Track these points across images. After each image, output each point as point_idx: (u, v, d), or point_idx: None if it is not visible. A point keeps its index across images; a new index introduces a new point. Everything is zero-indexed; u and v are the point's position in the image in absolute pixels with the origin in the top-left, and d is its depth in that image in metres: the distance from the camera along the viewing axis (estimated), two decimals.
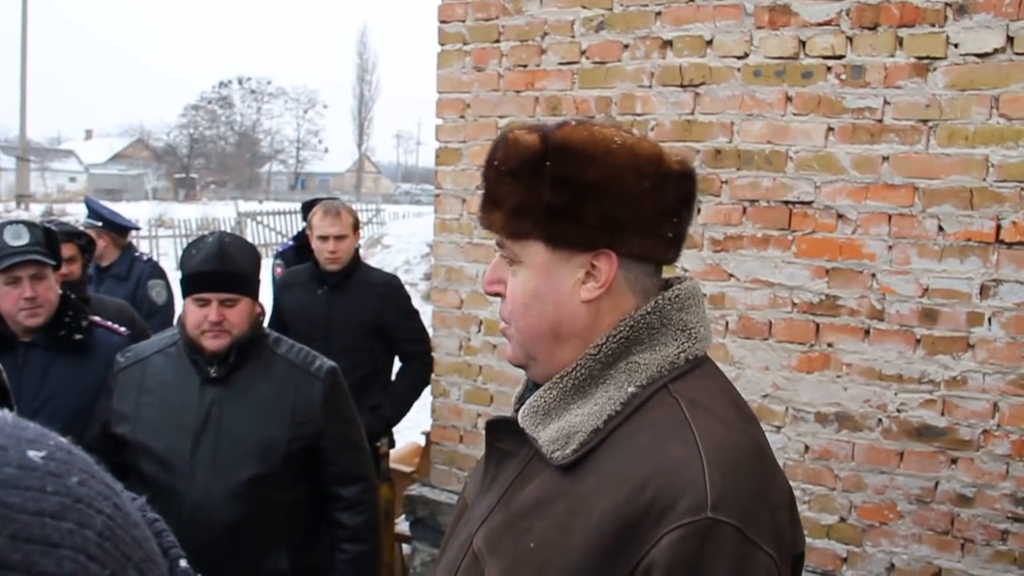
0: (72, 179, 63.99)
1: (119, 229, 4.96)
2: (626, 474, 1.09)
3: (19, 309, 2.75)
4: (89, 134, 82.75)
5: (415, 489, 4.34)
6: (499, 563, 1.17)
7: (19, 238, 2.73)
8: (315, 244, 4.25)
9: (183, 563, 0.55)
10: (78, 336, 2.84)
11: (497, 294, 1.27)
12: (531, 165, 1.17)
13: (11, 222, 2.85)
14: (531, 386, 1.31)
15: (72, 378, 2.78)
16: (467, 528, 1.28)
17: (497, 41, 3.95)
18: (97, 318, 3.02)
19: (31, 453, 0.47)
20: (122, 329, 3.04)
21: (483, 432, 1.32)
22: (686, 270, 3.38)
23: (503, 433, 1.29)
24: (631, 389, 1.16)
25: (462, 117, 4.07)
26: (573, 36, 3.74)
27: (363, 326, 4.16)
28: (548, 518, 1.14)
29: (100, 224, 4.88)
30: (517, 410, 1.27)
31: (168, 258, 18.34)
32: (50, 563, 0.44)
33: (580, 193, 1.16)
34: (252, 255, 2.59)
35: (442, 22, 4.10)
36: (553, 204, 1.16)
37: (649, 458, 1.09)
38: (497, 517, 1.22)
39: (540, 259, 1.20)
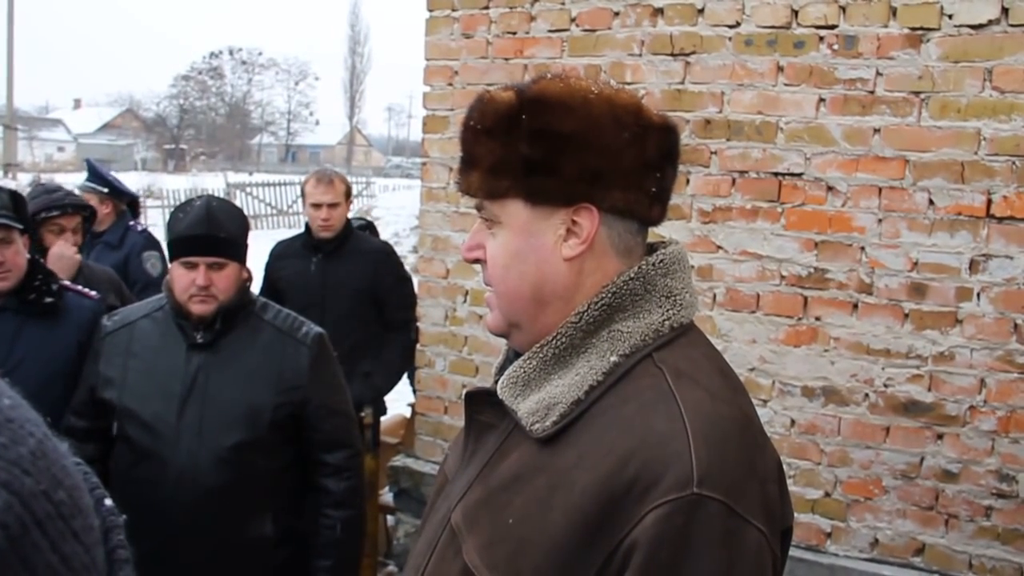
0: (60, 149, 63.52)
1: (120, 195, 4.89)
2: (608, 448, 1.05)
3: None
4: (78, 103, 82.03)
5: (399, 460, 4.32)
6: (477, 539, 1.13)
7: None
8: (308, 212, 4.28)
9: (108, 502, 0.55)
10: (48, 300, 2.81)
11: (477, 260, 1.23)
12: (507, 121, 1.14)
13: None
14: (511, 356, 1.28)
15: (43, 342, 2.75)
16: (446, 503, 1.25)
17: (486, 8, 3.88)
18: (67, 282, 2.99)
19: None
20: (92, 293, 3.01)
21: (463, 399, 1.29)
22: (670, 238, 3.34)
23: (482, 405, 1.25)
24: (614, 359, 1.12)
25: (450, 84, 4.02)
26: (563, 3, 3.68)
27: (357, 293, 4.18)
28: (527, 493, 1.10)
29: (105, 190, 4.76)
30: (497, 381, 1.23)
31: (157, 228, 18.21)
32: None
33: (557, 145, 1.12)
34: (240, 220, 2.58)
35: None
36: (530, 158, 1.13)
37: (632, 431, 1.05)
38: (476, 492, 1.18)
39: (520, 218, 1.16)
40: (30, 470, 0.45)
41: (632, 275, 1.15)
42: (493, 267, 1.20)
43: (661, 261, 1.17)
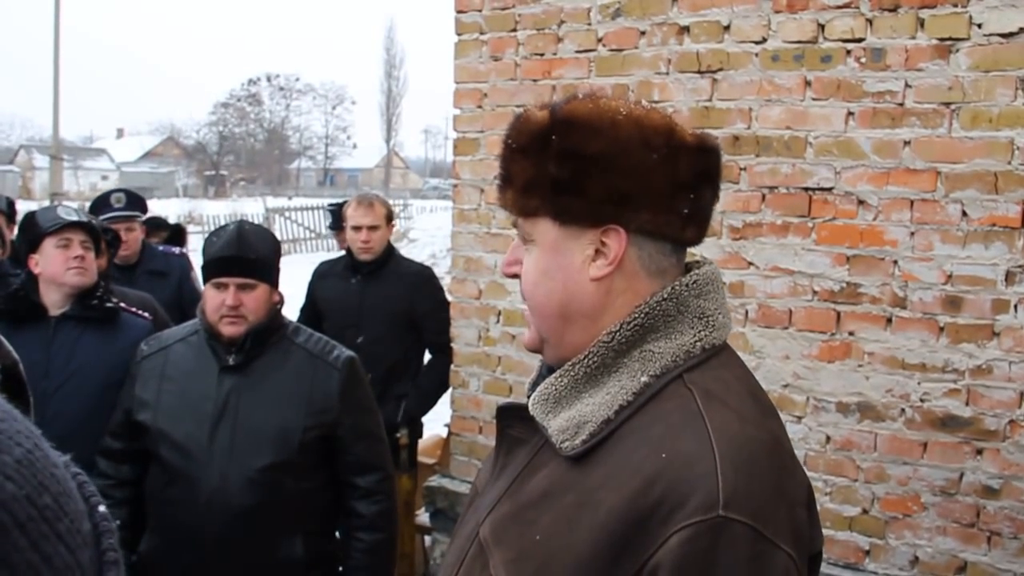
0: (104, 177, 64.61)
1: (158, 224, 4.91)
2: (635, 468, 1.05)
3: (67, 268, 2.87)
4: (120, 133, 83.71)
5: (435, 480, 4.34)
6: (504, 554, 1.14)
7: (70, 214, 2.96)
8: (349, 234, 4.38)
9: (102, 508, 0.58)
10: (108, 304, 2.96)
11: (515, 275, 1.25)
12: (539, 140, 1.16)
13: (61, 205, 3.08)
14: (544, 372, 1.29)
15: (99, 352, 2.88)
16: (475, 517, 1.26)
17: (514, 30, 3.92)
18: (123, 303, 3.11)
19: None
20: (147, 315, 3.14)
21: (495, 413, 1.31)
22: (704, 258, 3.33)
23: (513, 420, 1.26)
24: (644, 379, 1.12)
25: (479, 107, 4.05)
26: (589, 24, 3.71)
27: (395, 315, 4.23)
28: (555, 510, 1.11)
29: (141, 213, 4.68)
30: (530, 396, 1.24)
31: (197, 254, 18.48)
32: None
33: (584, 166, 1.13)
34: (271, 243, 2.63)
35: (459, 12, 4.08)
36: (558, 178, 1.15)
37: (659, 452, 1.05)
38: (504, 507, 1.19)
39: (550, 236, 1.18)
40: (13, 476, 0.49)
41: (665, 295, 1.16)
42: (525, 283, 1.23)
43: (695, 282, 1.18)
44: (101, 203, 4.57)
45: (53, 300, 2.91)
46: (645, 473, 1.04)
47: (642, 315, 1.15)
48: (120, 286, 4.26)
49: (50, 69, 28.47)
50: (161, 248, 4.95)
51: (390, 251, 4.39)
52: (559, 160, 1.14)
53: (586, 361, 1.16)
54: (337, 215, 5.54)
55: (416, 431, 4.47)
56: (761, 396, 1.20)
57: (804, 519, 1.08)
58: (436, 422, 5.66)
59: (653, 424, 1.09)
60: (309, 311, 4.45)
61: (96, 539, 0.56)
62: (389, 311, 4.22)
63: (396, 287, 4.28)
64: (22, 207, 5.07)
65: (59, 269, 2.87)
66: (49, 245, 2.88)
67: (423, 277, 4.44)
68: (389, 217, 4.41)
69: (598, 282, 1.17)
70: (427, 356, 4.51)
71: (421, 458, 4.72)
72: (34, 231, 2.93)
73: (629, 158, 1.13)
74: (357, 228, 4.28)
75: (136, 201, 4.66)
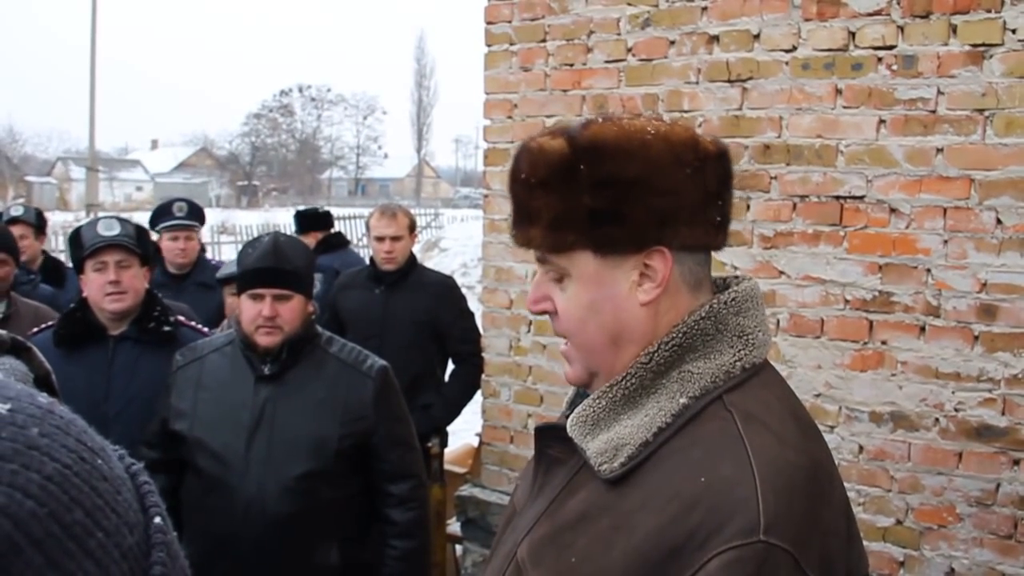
0: (139, 188, 65.42)
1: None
2: (674, 492, 1.04)
3: (104, 294, 2.85)
4: (155, 144, 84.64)
5: (466, 490, 4.35)
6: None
7: (110, 229, 2.90)
8: (372, 245, 4.40)
9: (157, 520, 0.58)
10: (166, 328, 2.94)
11: (544, 312, 1.21)
12: (563, 172, 1.12)
13: (104, 217, 3.03)
14: (582, 391, 1.27)
15: (159, 373, 2.86)
16: (513, 536, 1.25)
17: (543, 41, 3.94)
18: (182, 317, 3.12)
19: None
20: (206, 329, 3.13)
21: (533, 433, 1.29)
22: (736, 268, 3.33)
23: (552, 439, 1.25)
24: (683, 400, 1.11)
25: (509, 117, 4.07)
26: (619, 34, 3.71)
27: (418, 325, 4.24)
28: (591, 533, 1.10)
29: (200, 224, 4.82)
30: (568, 415, 1.22)
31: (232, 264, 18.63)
32: None
33: (623, 192, 1.10)
34: (306, 254, 2.67)
35: (488, 23, 4.11)
36: (595, 209, 1.11)
37: (698, 476, 1.04)
38: (542, 528, 1.19)
39: (590, 269, 1.14)
40: (35, 494, 0.49)
41: (703, 314, 1.14)
42: (567, 320, 1.18)
43: (733, 299, 1.16)
44: (163, 211, 4.73)
45: (108, 320, 2.91)
46: (684, 497, 1.03)
47: (680, 335, 1.13)
48: (166, 295, 4.34)
49: (86, 85, 28.93)
50: (214, 262, 5.03)
51: (413, 261, 4.41)
52: (594, 190, 1.10)
53: (624, 383, 1.14)
54: (300, 219, 6.00)
55: (442, 440, 4.49)
56: (803, 416, 1.18)
57: (833, 548, 1.06)
58: (467, 431, 5.68)
59: (692, 447, 1.07)
60: (330, 323, 4.47)
61: (146, 552, 0.55)
62: (412, 321, 4.24)
63: (419, 297, 4.30)
64: (59, 218, 5.18)
65: (98, 295, 2.87)
66: (89, 268, 2.87)
67: (446, 287, 4.46)
68: (412, 227, 4.43)
69: (647, 306, 1.14)
70: (451, 366, 4.54)
71: (452, 467, 4.74)
72: (78, 253, 2.91)
73: (665, 177, 1.11)
74: (380, 239, 4.31)
75: (196, 211, 4.81)
